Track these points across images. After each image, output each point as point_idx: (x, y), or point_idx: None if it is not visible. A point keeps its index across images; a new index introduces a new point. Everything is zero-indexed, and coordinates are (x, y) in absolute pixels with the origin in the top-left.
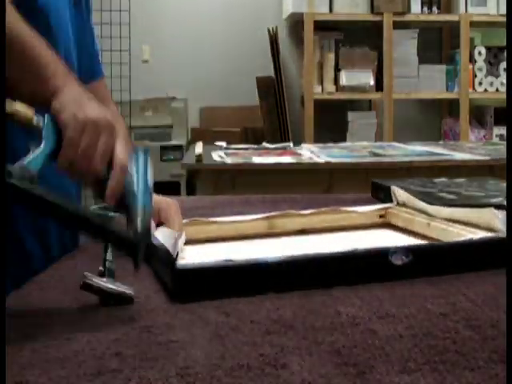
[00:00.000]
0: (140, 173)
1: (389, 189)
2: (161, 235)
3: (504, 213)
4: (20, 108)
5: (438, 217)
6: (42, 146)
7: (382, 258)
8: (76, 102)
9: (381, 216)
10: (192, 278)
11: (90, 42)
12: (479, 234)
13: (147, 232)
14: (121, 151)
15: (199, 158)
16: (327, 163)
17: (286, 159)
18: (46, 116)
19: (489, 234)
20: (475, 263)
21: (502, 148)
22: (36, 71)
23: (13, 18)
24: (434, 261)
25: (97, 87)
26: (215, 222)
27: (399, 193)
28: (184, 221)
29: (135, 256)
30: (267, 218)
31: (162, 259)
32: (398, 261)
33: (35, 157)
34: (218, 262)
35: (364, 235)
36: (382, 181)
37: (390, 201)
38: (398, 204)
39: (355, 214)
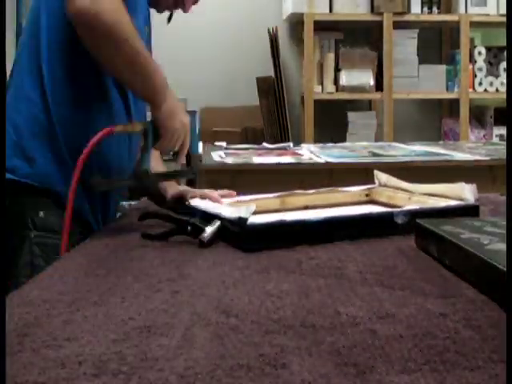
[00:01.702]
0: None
1: (440, 238)
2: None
3: (471, 185)
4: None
5: (416, 192)
6: (149, 149)
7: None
8: (171, 113)
9: (367, 195)
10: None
11: None
12: (454, 202)
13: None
14: (188, 139)
15: (199, 158)
16: (327, 163)
17: (286, 159)
18: (149, 125)
19: (460, 202)
20: None
21: (502, 148)
22: (151, 84)
23: (132, 33)
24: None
25: None
26: (239, 201)
27: (380, 175)
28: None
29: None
30: (279, 196)
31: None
32: (399, 220)
33: (148, 159)
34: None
35: (355, 209)
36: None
37: (439, 250)
38: (380, 185)
39: (347, 193)
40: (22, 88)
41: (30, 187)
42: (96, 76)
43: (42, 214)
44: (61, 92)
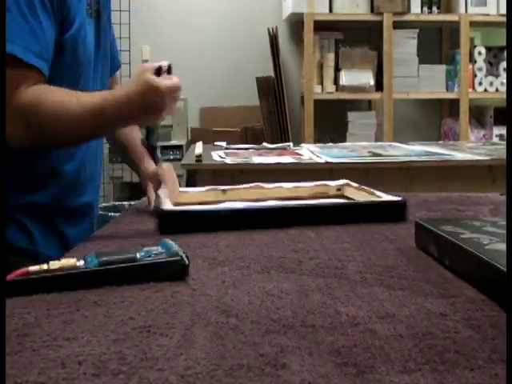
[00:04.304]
0: None
1: (440, 238)
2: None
3: None
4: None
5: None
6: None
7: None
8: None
9: (338, 189)
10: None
11: (110, 46)
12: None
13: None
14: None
15: (199, 158)
16: (327, 163)
17: (286, 159)
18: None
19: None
20: (368, 217)
21: (502, 148)
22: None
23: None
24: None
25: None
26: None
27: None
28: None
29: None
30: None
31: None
32: None
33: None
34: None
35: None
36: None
37: (439, 250)
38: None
39: (321, 186)
40: None
41: None
42: None
43: None
44: None
